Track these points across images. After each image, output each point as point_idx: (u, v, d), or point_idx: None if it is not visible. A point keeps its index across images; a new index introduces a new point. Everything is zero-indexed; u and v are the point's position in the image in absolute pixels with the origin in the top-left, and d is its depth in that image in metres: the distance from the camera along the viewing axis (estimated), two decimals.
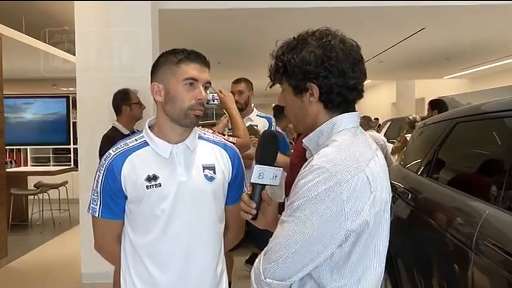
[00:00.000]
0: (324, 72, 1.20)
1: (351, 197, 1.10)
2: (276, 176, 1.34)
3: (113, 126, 3.67)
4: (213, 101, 2.84)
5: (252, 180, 1.33)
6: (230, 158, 1.73)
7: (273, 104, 6.76)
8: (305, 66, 1.21)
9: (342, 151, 1.15)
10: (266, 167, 1.33)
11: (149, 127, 1.65)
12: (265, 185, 1.35)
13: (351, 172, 1.11)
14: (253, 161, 1.36)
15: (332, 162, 1.12)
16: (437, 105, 5.53)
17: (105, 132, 3.63)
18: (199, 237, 1.63)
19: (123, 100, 3.70)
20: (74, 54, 4.67)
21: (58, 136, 10.07)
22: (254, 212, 1.35)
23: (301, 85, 1.23)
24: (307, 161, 1.20)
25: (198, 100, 1.54)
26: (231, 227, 1.79)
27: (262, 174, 1.33)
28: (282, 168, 1.37)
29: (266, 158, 1.34)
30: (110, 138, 3.29)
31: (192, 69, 1.54)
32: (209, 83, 1.59)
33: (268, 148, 1.36)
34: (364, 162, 1.16)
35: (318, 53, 1.20)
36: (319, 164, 1.12)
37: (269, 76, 1.32)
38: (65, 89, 10.48)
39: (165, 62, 1.58)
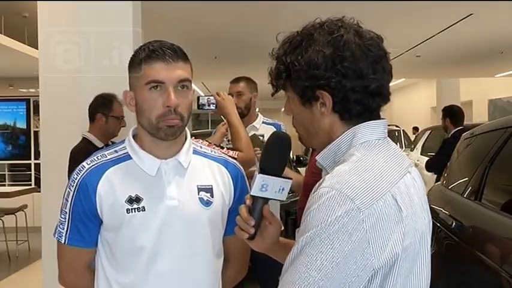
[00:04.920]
0: (337, 76, 1.18)
1: (375, 226, 1.09)
2: (282, 189, 1.34)
3: (83, 138, 3.65)
4: (209, 105, 2.84)
5: (252, 193, 1.34)
6: (232, 178, 1.73)
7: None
8: (312, 71, 1.19)
9: (361, 169, 1.15)
10: (271, 177, 1.33)
11: (133, 136, 1.67)
12: (268, 199, 1.36)
13: (373, 195, 1.10)
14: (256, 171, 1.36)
15: (348, 182, 1.11)
16: (449, 112, 5.90)
17: (75, 145, 3.62)
18: (192, 276, 1.63)
19: (102, 107, 3.66)
20: (36, 48, 4.71)
21: (16, 149, 10.10)
22: (252, 230, 1.36)
23: (309, 93, 1.22)
24: (318, 182, 1.18)
25: (167, 107, 1.52)
26: (231, 262, 1.78)
27: (266, 186, 1.33)
28: (291, 180, 1.36)
29: (272, 166, 1.35)
30: (83, 152, 3.28)
31: (155, 71, 1.52)
32: (185, 80, 1.56)
33: (275, 154, 1.36)
34: (390, 182, 1.15)
35: (327, 53, 1.18)
36: (331, 186, 1.11)
37: (270, 82, 1.31)
38: (25, 90, 10.54)
39: (131, 62, 1.60)
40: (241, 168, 1.79)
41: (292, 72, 1.23)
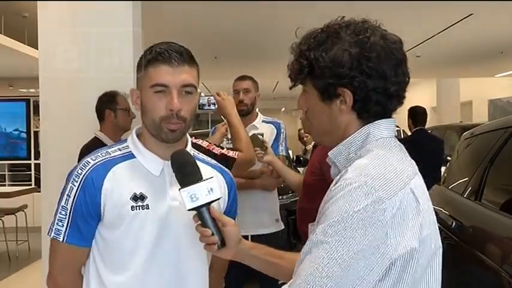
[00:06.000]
0: (361, 76, 1.22)
1: (395, 217, 1.12)
2: (211, 189, 1.43)
3: (95, 137, 3.68)
4: (209, 105, 2.85)
5: (187, 208, 1.42)
6: (227, 185, 1.78)
7: None
8: (336, 69, 1.22)
9: (382, 163, 1.19)
10: (192, 186, 1.42)
11: (137, 136, 1.68)
12: (206, 204, 1.43)
13: (394, 187, 1.15)
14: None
15: (371, 175, 1.15)
16: (412, 113, 6.16)
17: (85, 143, 3.64)
18: (187, 276, 1.65)
19: (107, 104, 3.69)
20: (36, 48, 4.70)
21: (16, 149, 10.11)
22: (215, 238, 1.44)
23: (331, 90, 1.25)
24: (338, 176, 1.22)
25: (170, 110, 1.54)
26: (214, 263, 1.81)
27: (194, 195, 1.41)
28: (213, 177, 1.46)
29: (186, 178, 1.45)
30: (93, 150, 3.28)
31: (160, 74, 1.54)
32: (190, 85, 1.56)
33: (181, 168, 1.47)
34: (408, 176, 1.19)
35: (353, 52, 1.22)
36: (356, 178, 1.15)
37: (289, 76, 1.33)
38: (25, 90, 10.54)
39: (138, 63, 1.62)
40: (233, 177, 1.84)
41: (316, 68, 1.25)
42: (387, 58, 1.23)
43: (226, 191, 1.76)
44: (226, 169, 1.84)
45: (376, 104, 1.25)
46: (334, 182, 1.21)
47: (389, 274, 1.14)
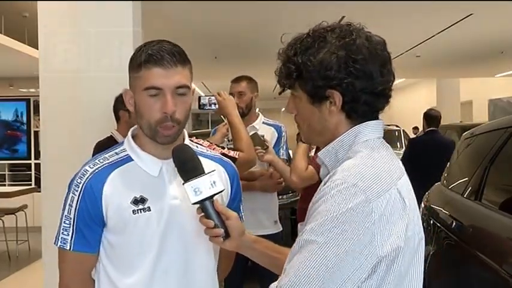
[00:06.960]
0: (349, 77, 1.24)
1: (382, 217, 1.15)
2: (214, 182, 1.45)
3: (110, 135, 3.72)
4: (210, 105, 2.85)
5: (192, 202, 1.44)
6: (229, 176, 1.76)
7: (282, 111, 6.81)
8: (324, 71, 1.25)
9: (370, 164, 1.22)
10: (195, 179, 1.44)
11: (132, 137, 1.67)
12: (210, 197, 1.45)
13: (381, 188, 1.17)
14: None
15: (359, 175, 1.18)
16: (426, 115, 6.70)
17: (100, 140, 3.67)
18: (195, 273, 1.65)
19: (121, 104, 3.70)
20: (36, 48, 4.71)
21: (16, 148, 10.11)
22: (220, 230, 1.46)
23: (320, 92, 1.28)
24: (327, 177, 1.25)
25: (164, 113, 1.53)
26: (222, 258, 1.80)
27: (198, 188, 1.43)
28: (214, 171, 1.48)
29: (189, 172, 1.46)
30: (104, 148, 3.31)
31: (153, 76, 1.52)
32: (184, 87, 1.55)
33: (182, 163, 1.49)
34: (395, 177, 1.23)
35: (340, 55, 1.24)
36: (344, 178, 1.18)
37: (278, 81, 1.35)
38: (25, 90, 10.54)
39: (131, 62, 1.60)
40: (235, 168, 1.83)
41: (304, 72, 1.27)
42: (373, 59, 1.26)
43: (229, 182, 1.75)
44: (229, 160, 1.82)
45: (364, 104, 1.27)
46: (323, 183, 1.24)
47: (375, 273, 1.17)
